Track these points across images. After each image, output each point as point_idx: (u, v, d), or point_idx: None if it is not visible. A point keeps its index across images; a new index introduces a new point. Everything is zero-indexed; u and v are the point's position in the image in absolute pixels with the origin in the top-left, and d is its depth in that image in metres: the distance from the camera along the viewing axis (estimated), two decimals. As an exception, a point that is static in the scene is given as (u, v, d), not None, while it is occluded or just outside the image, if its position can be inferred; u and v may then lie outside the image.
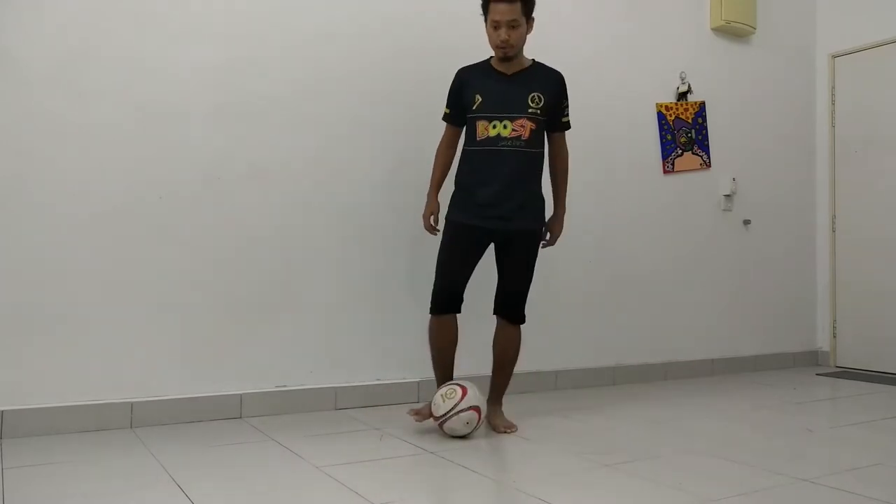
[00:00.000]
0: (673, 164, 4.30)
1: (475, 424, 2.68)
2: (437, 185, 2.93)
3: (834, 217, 4.86)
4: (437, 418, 2.68)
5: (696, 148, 4.39)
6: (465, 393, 2.64)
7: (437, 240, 2.92)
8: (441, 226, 2.92)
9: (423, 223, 2.94)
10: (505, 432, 2.81)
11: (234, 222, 3.06)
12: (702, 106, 4.40)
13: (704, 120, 4.41)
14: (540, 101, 2.74)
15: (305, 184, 3.21)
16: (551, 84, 2.79)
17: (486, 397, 2.86)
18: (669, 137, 4.29)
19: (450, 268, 2.82)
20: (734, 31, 4.52)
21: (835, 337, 4.85)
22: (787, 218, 4.83)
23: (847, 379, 4.36)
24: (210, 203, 3.02)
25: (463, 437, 2.70)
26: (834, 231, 4.86)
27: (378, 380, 3.35)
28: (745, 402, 3.59)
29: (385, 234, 3.29)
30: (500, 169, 2.72)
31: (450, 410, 2.63)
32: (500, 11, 2.64)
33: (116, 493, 2.05)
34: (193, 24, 3.00)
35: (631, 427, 2.99)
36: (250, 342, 3.08)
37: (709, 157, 4.43)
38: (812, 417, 3.34)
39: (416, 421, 2.80)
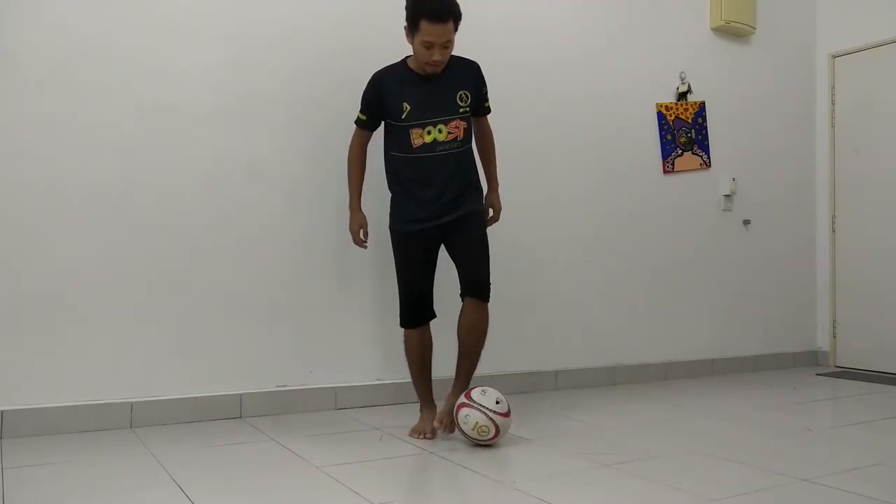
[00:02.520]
0: (673, 164, 4.30)
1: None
2: (358, 195, 2.89)
3: (834, 217, 4.85)
4: (462, 428, 2.60)
5: (695, 148, 4.39)
6: (496, 435, 2.55)
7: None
8: (370, 239, 2.92)
9: (351, 238, 2.90)
10: (444, 430, 2.70)
11: (234, 222, 3.06)
12: (702, 106, 4.40)
13: (704, 120, 4.41)
14: (467, 98, 2.76)
15: (305, 184, 3.21)
16: (473, 78, 2.80)
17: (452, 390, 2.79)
18: (669, 137, 4.29)
19: (411, 279, 2.80)
20: (734, 31, 4.51)
21: (835, 337, 4.85)
22: (787, 218, 4.83)
23: (847, 379, 4.35)
24: (210, 203, 3.02)
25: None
26: (834, 231, 4.85)
27: (378, 380, 3.35)
28: (745, 402, 3.58)
29: (386, 234, 3.28)
30: (440, 173, 2.72)
31: (470, 437, 2.58)
32: (436, 33, 2.58)
33: (116, 493, 2.05)
34: (193, 24, 3.00)
35: (631, 427, 2.99)
36: (250, 342, 3.08)
37: (709, 157, 4.43)
38: (812, 417, 3.34)
39: (429, 438, 2.71)
